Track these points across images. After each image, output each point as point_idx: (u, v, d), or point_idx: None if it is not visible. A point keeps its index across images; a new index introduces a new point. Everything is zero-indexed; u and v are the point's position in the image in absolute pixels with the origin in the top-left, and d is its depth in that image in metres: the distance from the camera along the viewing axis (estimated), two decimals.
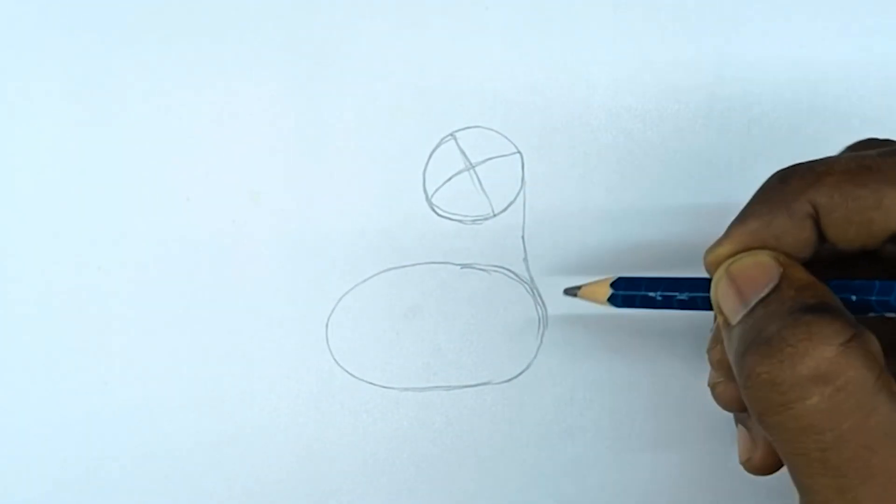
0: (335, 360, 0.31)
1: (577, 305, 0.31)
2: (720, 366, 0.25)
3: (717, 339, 0.25)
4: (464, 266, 0.31)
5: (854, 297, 0.21)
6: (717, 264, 0.23)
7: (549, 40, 0.31)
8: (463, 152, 0.31)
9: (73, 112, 0.31)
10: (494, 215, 0.31)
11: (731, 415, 0.27)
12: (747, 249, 0.22)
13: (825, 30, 0.31)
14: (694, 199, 0.32)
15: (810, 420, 0.19)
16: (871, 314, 0.21)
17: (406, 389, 0.31)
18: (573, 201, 0.31)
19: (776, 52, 0.31)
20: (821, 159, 0.22)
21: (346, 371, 0.31)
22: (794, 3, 0.31)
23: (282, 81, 0.31)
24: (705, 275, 0.24)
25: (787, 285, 0.21)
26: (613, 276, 0.27)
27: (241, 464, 0.31)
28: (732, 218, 0.31)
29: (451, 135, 0.31)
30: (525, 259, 0.31)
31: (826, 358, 0.19)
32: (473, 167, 0.31)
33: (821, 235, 0.22)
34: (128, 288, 0.31)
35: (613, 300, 0.27)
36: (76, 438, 0.31)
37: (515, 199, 0.31)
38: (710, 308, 0.23)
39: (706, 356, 0.26)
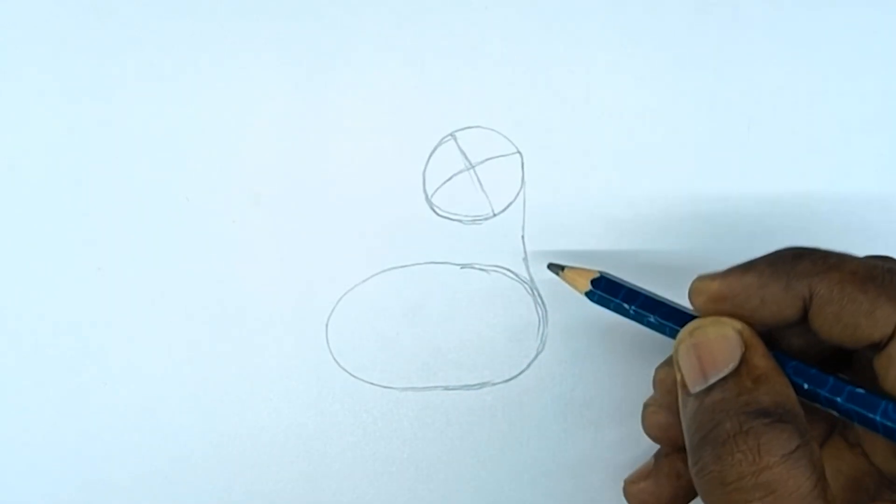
0: (335, 360, 0.31)
1: (577, 305, 0.31)
2: (662, 387, 0.27)
3: (668, 363, 0.26)
4: (464, 266, 0.31)
5: (806, 386, 0.22)
6: (700, 296, 0.24)
7: (549, 40, 0.31)
8: (463, 152, 0.31)
9: (72, 112, 0.31)
10: (494, 215, 0.31)
11: None
12: (734, 297, 0.23)
13: (825, 29, 0.31)
14: (693, 199, 0.31)
15: None
16: (818, 405, 0.22)
17: (406, 389, 0.31)
18: (573, 201, 0.31)
19: (776, 52, 0.31)
20: (837, 253, 0.23)
21: (346, 371, 0.31)
22: (795, 3, 0.31)
23: (282, 81, 0.31)
24: (684, 303, 0.25)
25: (747, 372, 0.22)
26: (599, 271, 0.27)
27: (241, 464, 0.31)
28: (731, 218, 0.32)
29: (451, 135, 0.31)
30: (525, 259, 0.31)
31: (771, 468, 0.20)
32: (473, 167, 0.31)
33: (804, 318, 0.23)
34: (128, 288, 0.31)
35: (590, 296, 0.27)
36: (76, 438, 0.31)
37: (515, 199, 0.31)
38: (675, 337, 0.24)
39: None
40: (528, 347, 0.31)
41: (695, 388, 0.22)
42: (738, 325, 0.23)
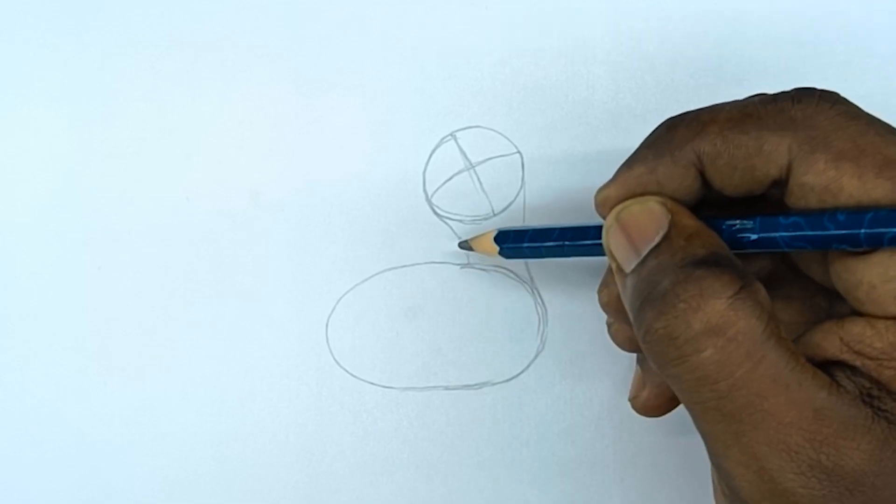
0: (335, 360, 0.31)
1: (577, 305, 0.31)
2: (609, 308, 0.26)
3: (605, 282, 0.26)
4: (464, 266, 0.31)
5: (753, 236, 0.21)
6: (606, 206, 0.23)
7: (549, 40, 0.31)
8: (463, 152, 0.31)
9: (72, 112, 0.31)
10: (494, 215, 0.31)
11: None
12: (634, 194, 0.23)
13: (826, 31, 0.31)
14: None
15: (705, 371, 0.19)
16: (751, 250, 0.22)
17: (406, 389, 0.31)
18: (573, 201, 0.31)
19: (776, 53, 0.31)
20: (708, 108, 0.22)
21: (346, 371, 0.31)
22: (795, 5, 0.31)
23: (282, 81, 0.31)
24: (595, 221, 0.24)
25: (677, 234, 0.21)
26: (496, 228, 0.28)
27: (241, 464, 0.31)
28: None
29: (451, 135, 0.31)
30: (525, 259, 0.31)
31: (717, 311, 0.19)
32: (473, 167, 0.31)
33: (705, 182, 0.22)
34: (128, 288, 0.31)
35: (504, 252, 0.28)
36: (76, 438, 0.31)
37: (515, 199, 0.31)
38: (599, 253, 0.24)
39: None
40: (528, 347, 0.31)
41: (629, 265, 0.22)
42: (660, 198, 0.22)
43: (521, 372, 0.31)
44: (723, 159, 0.21)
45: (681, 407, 0.31)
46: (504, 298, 0.31)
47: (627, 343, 0.26)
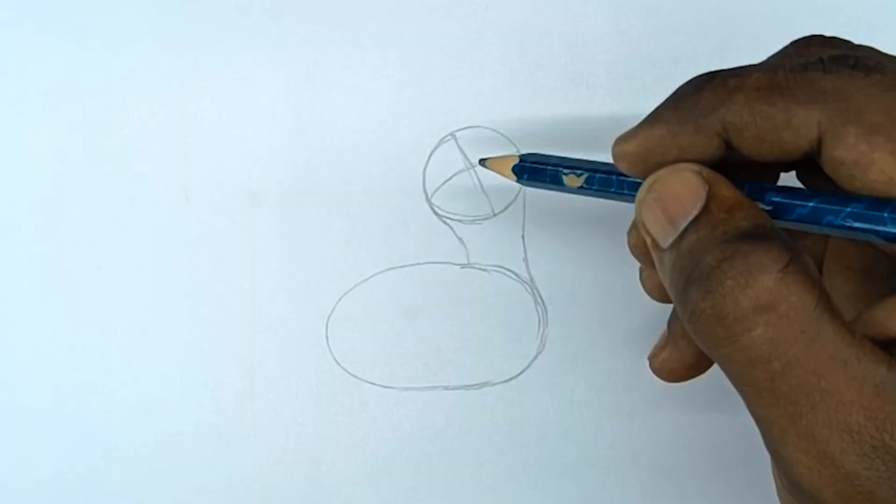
0: (335, 360, 0.31)
1: (577, 306, 0.31)
2: (637, 250, 0.25)
3: (635, 225, 0.25)
4: (464, 266, 0.31)
5: (799, 211, 0.20)
6: (624, 161, 0.22)
7: (549, 40, 0.31)
8: (463, 152, 0.31)
9: (72, 111, 0.31)
10: (494, 215, 0.31)
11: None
12: (654, 155, 0.22)
13: (826, 31, 0.31)
14: None
15: (757, 350, 0.19)
16: (797, 223, 0.21)
17: (406, 389, 0.31)
18: (573, 201, 0.31)
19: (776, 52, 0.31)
20: (736, 70, 0.21)
21: (346, 371, 0.31)
22: (794, 5, 0.31)
23: (282, 81, 0.31)
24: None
25: (717, 206, 0.20)
26: (519, 154, 0.27)
27: (241, 464, 0.31)
28: None
29: (451, 135, 0.31)
30: (525, 259, 0.31)
31: (766, 287, 0.18)
32: (473, 167, 0.31)
33: (730, 147, 0.21)
34: (127, 288, 0.31)
35: (521, 178, 0.27)
36: (75, 438, 0.31)
37: (515, 199, 0.31)
38: (621, 200, 0.23)
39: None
40: (528, 347, 0.31)
41: (666, 241, 0.21)
42: (696, 166, 0.21)
43: (521, 372, 0.31)
44: (750, 131, 0.20)
45: (677, 407, 0.31)
46: (504, 298, 0.31)
47: (657, 291, 0.25)
